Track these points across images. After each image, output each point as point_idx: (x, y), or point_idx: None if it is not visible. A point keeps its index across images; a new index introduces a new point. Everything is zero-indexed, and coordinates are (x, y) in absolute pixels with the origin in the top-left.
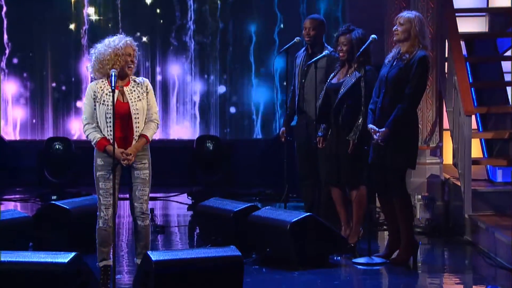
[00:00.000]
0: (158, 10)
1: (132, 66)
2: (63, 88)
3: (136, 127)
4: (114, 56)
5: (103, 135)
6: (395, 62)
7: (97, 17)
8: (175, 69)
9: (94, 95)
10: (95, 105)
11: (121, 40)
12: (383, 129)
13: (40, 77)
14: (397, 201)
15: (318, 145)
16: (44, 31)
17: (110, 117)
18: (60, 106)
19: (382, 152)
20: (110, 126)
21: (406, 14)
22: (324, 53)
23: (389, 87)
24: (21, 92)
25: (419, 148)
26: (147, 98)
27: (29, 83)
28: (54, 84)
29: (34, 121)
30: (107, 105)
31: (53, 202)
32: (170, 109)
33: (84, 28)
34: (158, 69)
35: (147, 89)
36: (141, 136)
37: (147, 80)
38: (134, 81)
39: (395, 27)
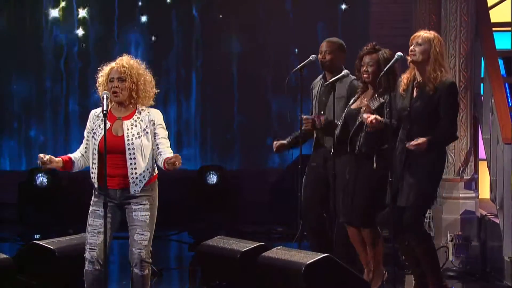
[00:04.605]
0: None
1: (118, 92)
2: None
3: (132, 168)
4: (102, 87)
5: (72, 155)
6: (415, 92)
7: None
8: None
9: (89, 126)
10: (87, 138)
11: (114, 62)
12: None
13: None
14: (417, 243)
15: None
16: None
17: (95, 153)
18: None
19: (402, 189)
20: (94, 163)
21: (424, 34)
22: (343, 73)
23: (415, 122)
24: None
25: (451, 181)
26: (154, 133)
27: None
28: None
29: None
30: (96, 139)
31: (36, 241)
32: None
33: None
34: None
35: (153, 124)
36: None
37: (156, 111)
38: (140, 112)
39: (411, 47)
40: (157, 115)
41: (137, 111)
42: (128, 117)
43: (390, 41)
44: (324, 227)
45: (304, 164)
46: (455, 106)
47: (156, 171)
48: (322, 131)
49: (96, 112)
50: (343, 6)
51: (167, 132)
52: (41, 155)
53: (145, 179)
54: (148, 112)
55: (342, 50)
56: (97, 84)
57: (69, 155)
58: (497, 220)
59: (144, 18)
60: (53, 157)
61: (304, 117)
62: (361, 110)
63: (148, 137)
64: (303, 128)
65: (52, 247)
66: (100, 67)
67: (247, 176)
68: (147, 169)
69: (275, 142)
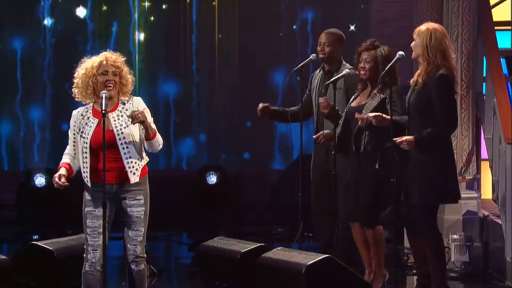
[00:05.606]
0: None
1: (112, 85)
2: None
3: (127, 157)
4: (85, 78)
5: (68, 160)
6: (416, 85)
7: None
8: None
9: (75, 125)
10: (75, 138)
11: (99, 57)
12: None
13: None
14: (427, 241)
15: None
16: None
17: (86, 151)
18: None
19: (410, 187)
20: (86, 162)
21: (419, 28)
22: (344, 72)
23: (412, 114)
24: None
25: None
26: None
27: None
28: None
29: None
30: (85, 137)
31: (35, 242)
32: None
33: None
34: None
35: (137, 109)
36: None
37: (138, 98)
38: (123, 103)
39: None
40: (139, 101)
41: (120, 102)
42: (113, 110)
43: (391, 40)
44: (333, 224)
45: (304, 164)
46: (448, 100)
47: (147, 159)
48: (322, 125)
49: (79, 111)
50: (352, 27)
51: (151, 118)
52: (56, 180)
53: (140, 167)
54: (131, 100)
55: (341, 41)
56: (76, 77)
57: (64, 161)
58: (499, 221)
59: None
60: (60, 174)
61: (322, 99)
62: (363, 110)
63: (132, 127)
64: (320, 110)
65: (50, 248)
66: (80, 61)
67: (247, 176)
68: (140, 156)
69: (260, 104)
